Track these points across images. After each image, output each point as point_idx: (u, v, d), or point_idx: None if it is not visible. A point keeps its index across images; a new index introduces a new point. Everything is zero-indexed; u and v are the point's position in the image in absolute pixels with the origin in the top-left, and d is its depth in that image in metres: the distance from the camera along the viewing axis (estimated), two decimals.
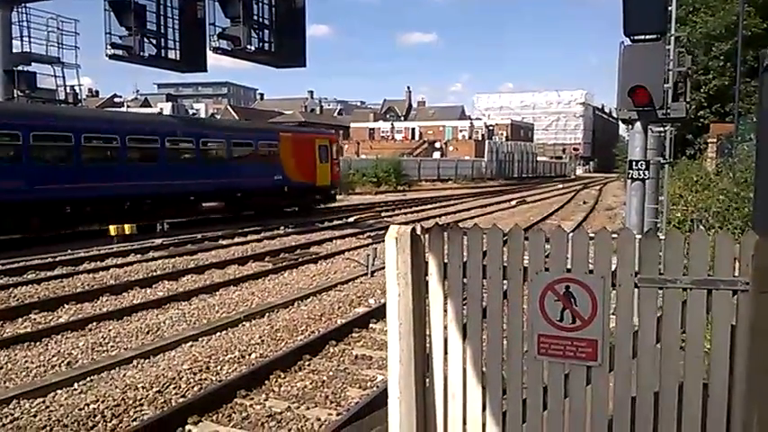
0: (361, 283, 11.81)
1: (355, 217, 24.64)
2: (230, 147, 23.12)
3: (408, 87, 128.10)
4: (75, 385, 6.50)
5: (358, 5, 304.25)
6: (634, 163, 7.49)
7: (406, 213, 27.54)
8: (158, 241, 16.88)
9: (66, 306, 9.90)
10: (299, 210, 26.12)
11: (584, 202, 34.04)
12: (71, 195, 17.11)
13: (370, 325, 8.76)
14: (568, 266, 3.24)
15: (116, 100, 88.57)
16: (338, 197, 35.79)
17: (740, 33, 20.58)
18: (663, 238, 3.17)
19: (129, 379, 6.70)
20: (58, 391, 6.32)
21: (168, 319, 9.15)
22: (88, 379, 6.68)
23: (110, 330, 8.59)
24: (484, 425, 3.46)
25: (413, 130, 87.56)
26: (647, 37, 6.95)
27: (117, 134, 18.97)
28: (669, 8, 8.29)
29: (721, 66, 26.33)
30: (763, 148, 7.10)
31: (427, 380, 3.59)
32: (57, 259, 13.88)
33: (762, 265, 2.83)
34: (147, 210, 19.41)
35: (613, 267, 3.14)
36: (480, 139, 78.17)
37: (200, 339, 8.13)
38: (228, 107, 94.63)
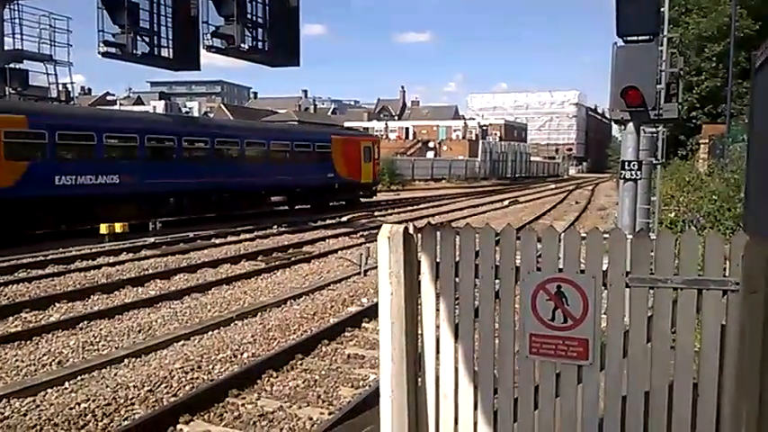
0: (353, 282, 11.81)
1: (348, 216, 24.64)
2: (293, 149, 26.13)
3: (402, 87, 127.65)
4: (66, 384, 6.47)
5: (352, 5, 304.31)
6: (626, 163, 7.52)
7: (399, 213, 27.54)
8: (150, 240, 16.83)
9: (58, 305, 9.85)
10: (346, 204, 29.18)
11: (577, 202, 34.15)
12: (172, 189, 20.45)
13: (363, 324, 8.76)
14: (560, 266, 3.25)
15: (108, 98, 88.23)
16: None
17: (732, 35, 20.72)
18: (654, 238, 3.18)
19: (120, 378, 6.68)
20: (49, 390, 6.28)
21: (160, 318, 9.12)
22: (79, 378, 6.65)
23: (101, 329, 8.55)
24: (475, 424, 3.47)
25: (407, 129, 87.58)
26: (640, 38, 6.98)
27: (208, 137, 22.46)
28: (662, 9, 8.32)
29: (713, 67, 26.51)
30: (753, 149, 7.15)
31: (419, 379, 3.59)
32: (48, 258, 13.81)
33: (751, 265, 2.85)
34: (227, 202, 22.53)
35: (605, 267, 3.15)
36: (474, 138, 78.31)
37: (192, 338, 8.11)
38: (222, 106, 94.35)
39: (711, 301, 2.99)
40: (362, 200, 30.86)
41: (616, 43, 7.09)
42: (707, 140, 21.00)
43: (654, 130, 9.22)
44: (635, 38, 6.99)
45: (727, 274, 2.97)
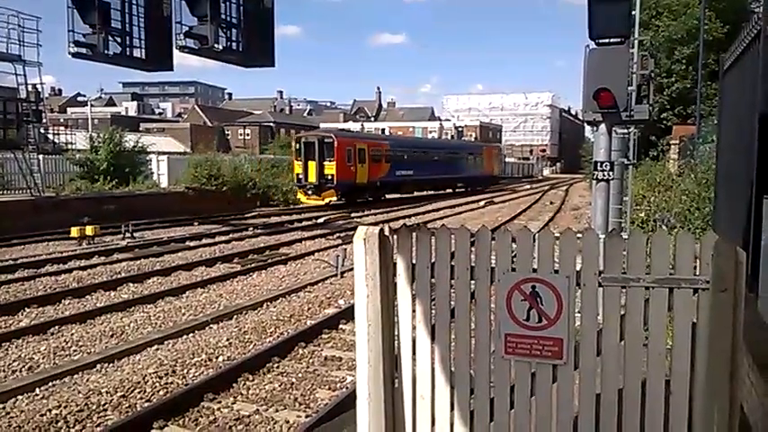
0: (330, 284, 11.77)
1: (325, 217, 24.57)
2: (467, 155, 48.84)
3: (378, 88, 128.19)
4: (37, 390, 6.35)
5: (328, 6, 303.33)
6: (599, 164, 7.61)
7: (375, 214, 27.54)
8: (123, 243, 16.58)
9: (28, 309, 9.65)
10: (484, 187, 48.25)
11: (552, 203, 34.48)
12: (424, 178, 39.39)
13: (340, 326, 8.74)
14: (534, 266, 3.28)
15: (79, 99, 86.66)
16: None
17: (701, 37, 21.12)
18: (626, 237, 3.23)
19: (92, 384, 6.57)
20: (19, 397, 6.17)
21: (133, 323, 8.99)
22: (50, 384, 6.54)
23: (72, 334, 8.40)
24: (452, 424, 3.48)
25: (383, 131, 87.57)
26: (612, 40, 7.06)
27: (431, 149, 43.98)
28: (633, 12, 8.45)
29: (683, 69, 26.97)
30: (722, 149, 7.31)
31: (396, 380, 3.59)
32: (18, 262, 13.53)
33: (721, 264, 2.90)
34: (440, 186, 42.30)
35: (578, 267, 3.19)
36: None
37: (165, 342, 8.01)
38: (196, 107, 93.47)
39: (682, 299, 3.04)
40: (490, 186, 50.52)
41: (588, 46, 7.17)
42: (677, 141, 21.35)
43: (625, 131, 9.37)
44: (607, 40, 7.06)
45: (697, 273, 3.03)
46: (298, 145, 31.53)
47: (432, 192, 40.89)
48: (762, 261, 3.17)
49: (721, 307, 2.92)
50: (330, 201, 30.31)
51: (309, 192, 30.35)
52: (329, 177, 30.10)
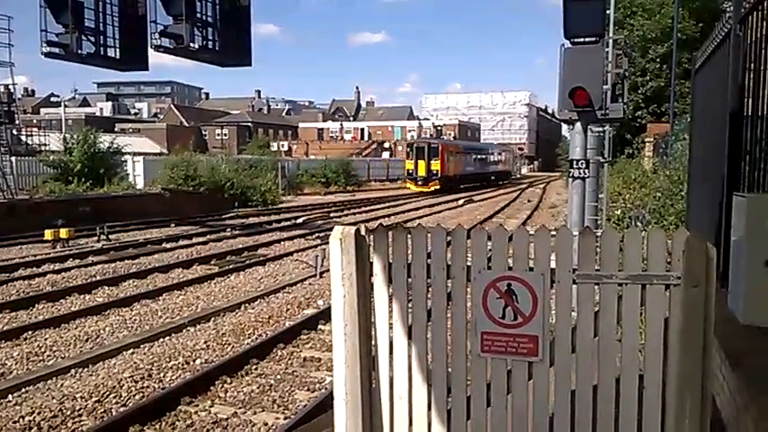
0: (309, 284, 11.73)
1: (304, 218, 24.48)
2: (497, 155, 61.35)
3: (357, 87, 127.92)
4: (10, 397, 6.24)
5: (306, 5, 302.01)
6: (575, 162, 7.67)
7: (355, 213, 27.51)
8: (98, 245, 16.35)
9: (0, 315, 9.45)
10: (505, 180, 61.75)
11: (529, 201, 34.78)
12: (474, 173, 52.22)
13: (319, 326, 8.71)
14: (510, 264, 3.29)
15: (53, 99, 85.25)
16: (286, 198, 35.63)
17: (675, 36, 21.43)
18: (599, 234, 3.25)
19: (66, 389, 6.47)
20: None
21: (108, 326, 8.86)
22: (23, 390, 6.42)
23: (46, 339, 8.26)
24: (429, 424, 3.48)
25: (362, 130, 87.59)
26: (587, 40, 7.12)
27: (480, 151, 58.33)
28: (607, 12, 8.54)
29: (658, 68, 27.33)
30: (695, 146, 7.42)
31: (373, 381, 3.58)
32: None
33: (692, 260, 2.94)
34: (484, 179, 54.02)
35: (553, 265, 3.21)
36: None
37: (142, 346, 7.91)
38: (172, 107, 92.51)
39: (655, 295, 3.07)
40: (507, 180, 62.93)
41: (563, 45, 7.22)
42: (652, 139, 21.66)
43: (601, 129, 9.45)
44: (581, 40, 7.12)
45: (669, 269, 3.06)
46: (409, 149, 47.48)
47: (478, 183, 52.08)
48: (732, 257, 3.22)
49: (692, 302, 2.95)
50: (435, 188, 42.90)
51: (419, 182, 43.88)
52: (435, 172, 43.82)
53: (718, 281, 3.29)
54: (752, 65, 4.37)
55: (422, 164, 43.92)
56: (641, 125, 26.17)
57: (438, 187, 42.89)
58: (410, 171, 44.93)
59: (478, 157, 55.50)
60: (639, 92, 27.28)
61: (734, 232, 3.43)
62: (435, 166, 43.88)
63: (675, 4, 22.18)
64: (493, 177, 57.70)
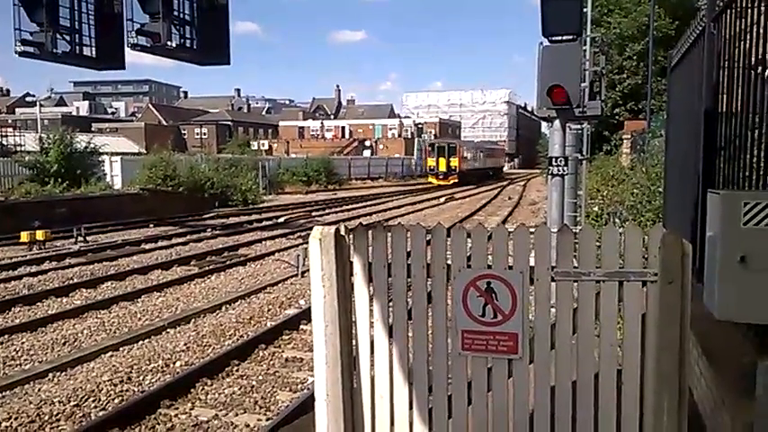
0: (291, 284, 11.68)
1: (285, 217, 24.37)
2: (493, 152, 68.68)
3: (338, 86, 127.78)
4: None
5: (287, 3, 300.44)
6: (554, 159, 7.73)
7: (336, 212, 27.46)
8: (75, 247, 16.12)
9: None
10: (498, 174, 67.03)
11: (510, 198, 34.98)
12: (479, 168, 58.58)
13: (301, 326, 8.68)
14: (490, 263, 3.31)
15: (28, 99, 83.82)
16: (267, 197, 35.46)
17: (651, 34, 21.68)
18: (577, 232, 3.28)
19: (44, 393, 6.37)
20: None
21: (86, 329, 8.74)
22: (0, 395, 6.30)
23: (23, 343, 8.12)
24: (411, 423, 3.48)
25: (343, 128, 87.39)
26: (564, 38, 7.17)
27: (482, 149, 64.59)
28: (585, 10, 8.61)
29: (635, 65, 27.65)
30: (671, 143, 7.51)
31: (354, 381, 3.58)
32: None
33: (668, 257, 2.97)
34: (484, 174, 59.09)
35: (532, 262, 3.22)
36: (410, 136, 78.98)
37: (120, 349, 7.82)
38: (150, 106, 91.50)
39: (632, 292, 3.11)
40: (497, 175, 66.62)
41: (542, 43, 7.27)
42: (629, 136, 21.88)
43: (579, 126, 9.56)
44: (559, 38, 7.17)
45: (646, 266, 3.10)
46: (431, 148, 54.83)
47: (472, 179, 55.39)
48: (707, 253, 3.26)
49: (669, 298, 2.99)
50: (453, 182, 50.01)
51: (440, 176, 51.35)
52: (453, 168, 51.52)
53: (694, 277, 3.33)
54: (726, 62, 4.43)
55: (442, 161, 51.56)
56: (619, 122, 26.44)
57: (456, 180, 50.27)
58: (432, 167, 52.70)
59: (481, 154, 62.63)
60: (617, 89, 27.57)
61: (708, 228, 3.47)
62: (454, 162, 51.44)
63: (651, 2, 22.44)
64: (491, 172, 64.26)
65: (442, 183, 49.83)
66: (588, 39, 9.40)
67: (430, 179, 52.40)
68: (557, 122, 7.71)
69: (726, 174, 4.32)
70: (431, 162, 53.16)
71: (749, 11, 3.90)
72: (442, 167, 51.46)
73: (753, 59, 3.76)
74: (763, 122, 3.50)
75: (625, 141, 22.05)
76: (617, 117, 27.26)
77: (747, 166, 3.82)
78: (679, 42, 6.70)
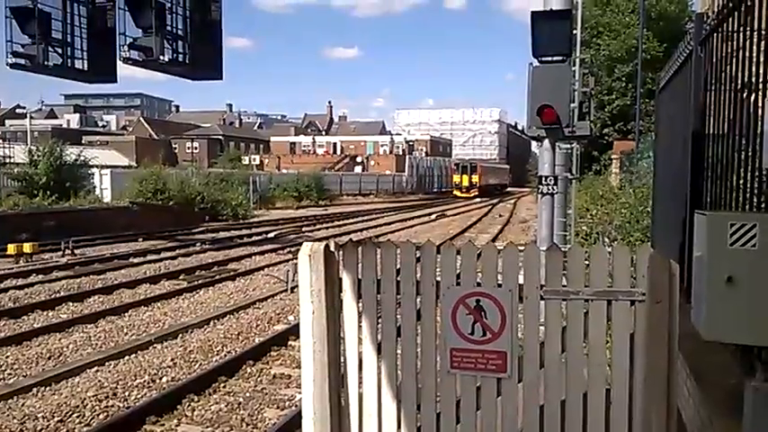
0: (280, 299, 11.62)
1: (275, 232, 24.30)
2: (492, 171, 72.60)
3: (330, 102, 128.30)
4: None
5: (280, 19, 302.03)
6: (544, 178, 7.78)
7: (327, 228, 27.41)
8: (63, 260, 15.98)
9: None
10: (503, 190, 72.67)
11: (500, 215, 35.09)
12: (491, 184, 68.06)
13: (290, 342, 8.62)
14: (479, 280, 3.31)
15: (18, 111, 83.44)
16: (258, 212, 35.38)
17: (640, 56, 21.97)
18: (566, 251, 3.30)
19: (28, 408, 6.27)
20: None
21: (72, 344, 8.64)
22: None
23: (7, 357, 8.01)
24: None
25: (334, 144, 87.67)
26: (554, 58, 7.25)
27: (493, 167, 76.36)
28: (574, 32, 8.72)
29: (623, 87, 27.99)
30: (659, 164, 7.58)
31: (342, 398, 3.56)
32: None
33: (655, 277, 2.99)
34: (494, 189, 68.64)
35: (521, 281, 3.23)
36: (401, 153, 79.38)
37: (106, 364, 7.72)
38: (141, 119, 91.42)
39: (620, 311, 3.12)
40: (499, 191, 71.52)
41: (532, 63, 7.35)
42: (618, 156, 22.09)
43: (568, 146, 9.63)
44: (549, 58, 7.25)
45: (634, 285, 3.12)
46: (455, 166, 64.88)
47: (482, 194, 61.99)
48: (694, 273, 3.29)
49: (656, 318, 3.01)
50: (474, 194, 58.86)
51: (463, 190, 60.64)
52: (474, 183, 61.63)
53: (682, 296, 3.35)
54: (713, 85, 4.50)
55: (465, 177, 61.83)
56: (608, 142, 26.71)
57: (477, 194, 59.73)
58: (457, 183, 62.81)
59: (492, 172, 72.36)
60: (606, 110, 27.87)
61: (696, 248, 3.50)
62: (475, 179, 61.98)
63: (641, 24, 22.77)
64: (499, 187, 72.59)
65: (464, 195, 59.13)
66: (578, 60, 9.51)
67: (455, 192, 61.70)
68: (546, 142, 7.76)
69: (713, 195, 4.36)
70: (456, 178, 63.23)
71: (735, 35, 3.98)
72: (465, 183, 61.53)
73: (739, 83, 3.83)
74: (750, 144, 3.55)
75: (614, 161, 22.25)
76: (606, 137, 27.53)
77: (734, 187, 3.87)
78: (667, 65, 6.79)
